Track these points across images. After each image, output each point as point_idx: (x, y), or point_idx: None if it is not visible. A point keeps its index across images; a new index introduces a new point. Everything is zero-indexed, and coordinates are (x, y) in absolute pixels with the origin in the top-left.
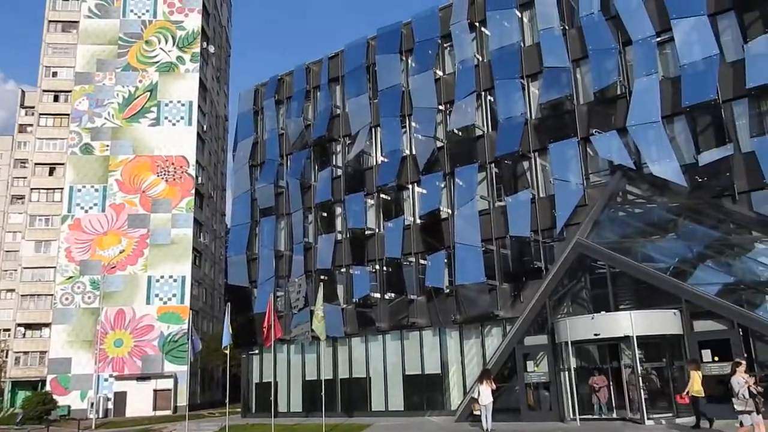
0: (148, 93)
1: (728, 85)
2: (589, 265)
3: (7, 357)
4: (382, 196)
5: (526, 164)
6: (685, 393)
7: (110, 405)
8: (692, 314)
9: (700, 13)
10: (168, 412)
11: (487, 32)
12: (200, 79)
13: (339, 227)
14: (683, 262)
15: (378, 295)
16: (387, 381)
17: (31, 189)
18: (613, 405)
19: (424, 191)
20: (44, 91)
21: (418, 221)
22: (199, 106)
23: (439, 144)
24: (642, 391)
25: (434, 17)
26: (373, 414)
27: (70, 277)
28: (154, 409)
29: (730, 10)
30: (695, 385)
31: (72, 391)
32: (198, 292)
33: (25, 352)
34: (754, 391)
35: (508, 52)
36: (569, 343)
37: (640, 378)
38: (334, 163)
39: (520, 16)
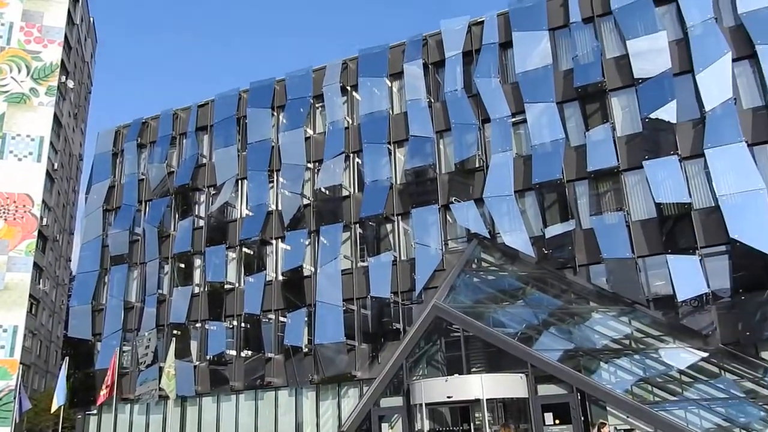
0: None
1: (572, 167)
2: (444, 328)
3: None
4: (245, 249)
5: (389, 227)
6: None
7: None
8: (537, 378)
9: (549, 100)
10: None
11: (358, 97)
12: (55, 114)
13: (197, 280)
14: (530, 328)
15: (234, 353)
16: None
17: None
18: None
19: (288, 247)
20: None
21: (281, 277)
22: (51, 143)
23: (305, 201)
24: None
25: (308, 77)
26: None
27: None
28: None
29: (575, 100)
30: None
31: None
32: (32, 344)
33: None
34: None
35: (377, 118)
36: (423, 405)
37: None
38: (196, 213)
39: (390, 85)
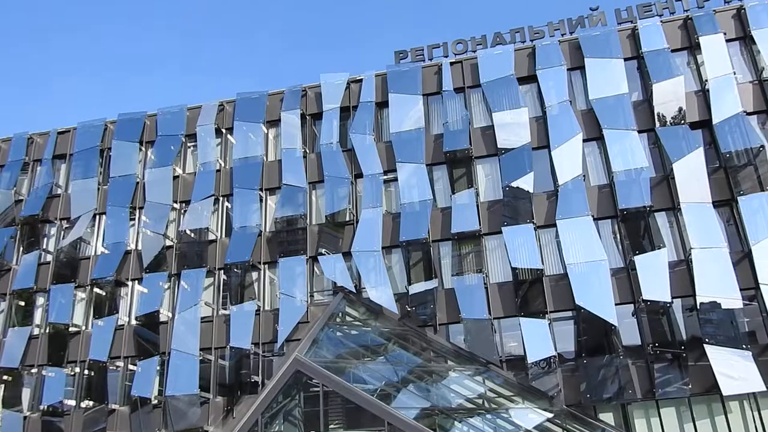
0: None
1: (438, 227)
2: (305, 383)
3: None
4: (96, 290)
5: (255, 275)
6: None
7: None
8: None
9: (419, 161)
10: None
11: (232, 140)
12: None
13: (38, 320)
14: (389, 386)
15: (73, 403)
16: None
17: None
18: None
19: (145, 290)
20: None
21: (134, 322)
22: None
23: (168, 243)
24: None
25: (181, 114)
26: None
27: None
28: None
29: (444, 164)
30: None
31: None
32: None
33: None
34: None
35: (251, 163)
36: None
37: None
38: (44, 246)
39: (266, 131)
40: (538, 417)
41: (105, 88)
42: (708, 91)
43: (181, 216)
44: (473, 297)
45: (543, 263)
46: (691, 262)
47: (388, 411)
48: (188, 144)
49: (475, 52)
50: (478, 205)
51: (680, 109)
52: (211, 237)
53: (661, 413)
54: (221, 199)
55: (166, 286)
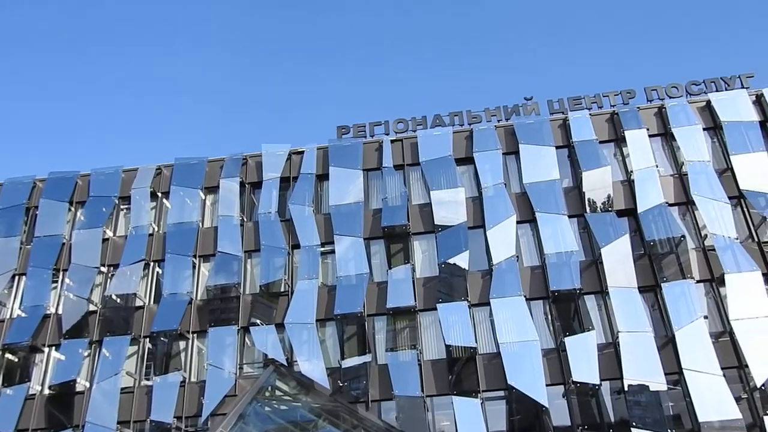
0: None
1: (373, 302)
2: None
3: None
4: (8, 355)
5: (182, 344)
6: None
7: None
8: None
9: (357, 235)
10: None
11: (168, 204)
12: None
13: None
14: None
15: None
16: None
17: None
18: None
19: (62, 357)
20: None
21: (47, 391)
22: None
23: (92, 307)
24: None
25: (116, 176)
26: None
27: None
28: None
29: (381, 238)
30: None
31: None
32: None
33: None
34: None
35: (186, 229)
36: None
37: None
38: None
39: (203, 197)
40: None
41: (37, 147)
42: (633, 181)
43: (108, 280)
44: (407, 373)
45: (477, 341)
46: (619, 345)
47: None
48: (121, 206)
49: (415, 131)
50: (414, 281)
51: (608, 197)
52: (139, 303)
53: None
54: (152, 264)
55: (85, 354)
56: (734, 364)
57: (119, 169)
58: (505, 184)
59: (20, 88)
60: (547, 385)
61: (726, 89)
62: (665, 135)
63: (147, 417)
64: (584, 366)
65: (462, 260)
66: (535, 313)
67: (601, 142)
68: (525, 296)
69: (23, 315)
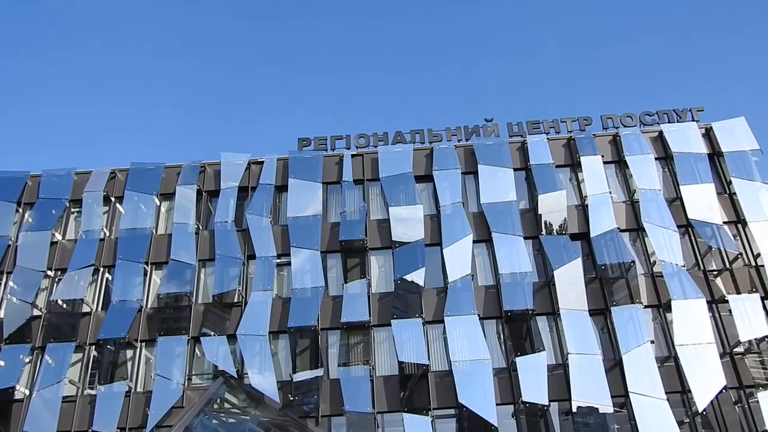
0: None
1: (327, 316)
2: None
3: None
4: None
5: (129, 353)
6: None
7: None
8: None
9: (314, 248)
10: None
11: (121, 209)
12: None
13: None
14: None
15: None
16: None
17: None
18: None
19: (2, 363)
20: None
21: None
22: None
23: (36, 312)
24: None
25: (68, 178)
26: None
27: None
28: None
29: (338, 252)
30: None
31: None
32: None
33: None
34: None
35: (139, 235)
36: None
37: None
38: None
39: (158, 204)
40: None
41: None
42: (587, 206)
43: (55, 284)
44: (358, 389)
45: (429, 359)
46: (568, 366)
47: None
48: (72, 210)
49: (376, 147)
50: (369, 296)
51: (563, 220)
52: (86, 309)
53: None
54: (102, 269)
55: (27, 360)
56: (678, 389)
57: (72, 171)
58: (463, 203)
59: None
60: (497, 404)
61: (678, 121)
62: (619, 162)
63: (89, 427)
64: (534, 386)
65: (418, 277)
66: (487, 332)
67: (557, 166)
68: (478, 315)
69: None
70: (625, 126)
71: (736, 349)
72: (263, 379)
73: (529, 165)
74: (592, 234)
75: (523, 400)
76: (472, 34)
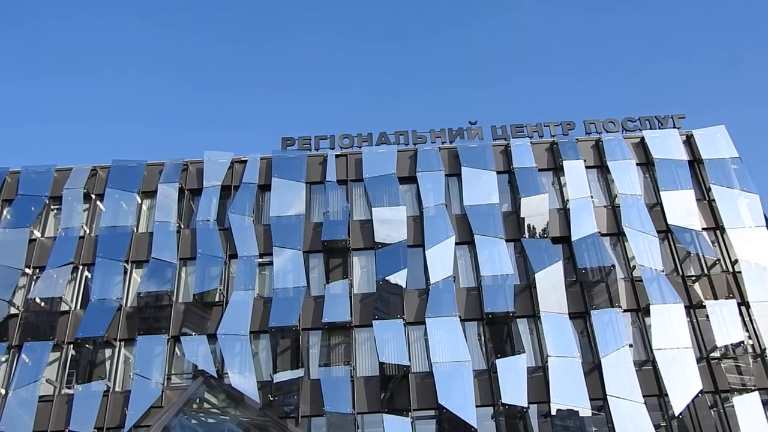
0: None
1: (309, 316)
2: None
3: None
4: None
5: (108, 352)
6: None
7: None
8: None
9: (297, 248)
10: None
11: (102, 207)
12: None
13: None
14: None
15: None
16: None
17: None
18: None
19: None
20: None
21: None
22: None
23: (13, 310)
24: None
25: (48, 175)
26: None
27: None
28: None
29: (320, 252)
30: None
31: None
32: None
33: None
34: None
35: (120, 233)
36: None
37: None
38: None
39: (140, 202)
40: None
41: None
42: (569, 210)
43: (33, 282)
44: (338, 390)
45: (410, 360)
46: (548, 369)
47: None
48: (52, 207)
49: (360, 147)
50: (351, 297)
51: (544, 224)
52: (64, 307)
53: None
54: (81, 267)
55: (3, 359)
56: (655, 393)
57: (52, 168)
58: (446, 205)
59: None
60: (477, 406)
61: (659, 128)
62: (601, 167)
63: (66, 427)
64: (513, 388)
65: (400, 278)
66: (468, 334)
67: (540, 170)
68: (460, 317)
69: None
70: (607, 131)
71: (712, 354)
72: (243, 379)
73: (512, 168)
74: (574, 238)
75: (503, 401)
76: (458, 36)
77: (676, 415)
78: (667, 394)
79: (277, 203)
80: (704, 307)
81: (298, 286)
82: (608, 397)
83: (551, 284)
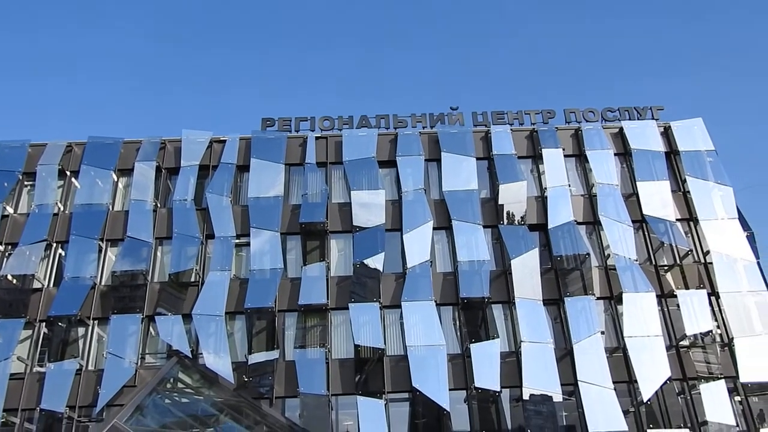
0: None
1: (285, 298)
2: None
3: None
4: None
5: (81, 330)
6: None
7: None
8: None
9: (274, 229)
10: None
11: (77, 184)
12: None
13: None
14: None
15: None
16: None
17: None
18: None
19: None
20: None
21: None
22: None
23: None
24: None
25: (22, 150)
26: None
27: None
28: None
29: (298, 234)
30: None
31: None
32: None
33: None
34: None
35: (95, 210)
36: None
37: None
38: None
39: (116, 180)
40: None
41: None
42: (546, 198)
43: (5, 259)
44: (313, 372)
45: (385, 343)
46: (521, 354)
47: None
48: (25, 182)
49: (340, 130)
50: (327, 279)
51: (522, 211)
52: (37, 285)
53: None
54: (55, 245)
55: None
56: (625, 379)
57: (26, 143)
58: (425, 190)
59: None
60: (450, 390)
61: (638, 119)
62: (579, 156)
63: (37, 405)
64: (486, 373)
65: (377, 262)
66: (444, 318)
67: (519, 157)
68: (435, 301)
69: None
70: (587, 121)
71: (681, 343)
72: (218, 360)
73: (492, 155)
74: (550, 225)
75: (476, 386)
76: (442, 21)
77: (645, 401)
78: (636, 381)
79: (256, 184)
80: (675, 296)
81: (275, 268)
82: (579, 382)
83: (527, 271)
